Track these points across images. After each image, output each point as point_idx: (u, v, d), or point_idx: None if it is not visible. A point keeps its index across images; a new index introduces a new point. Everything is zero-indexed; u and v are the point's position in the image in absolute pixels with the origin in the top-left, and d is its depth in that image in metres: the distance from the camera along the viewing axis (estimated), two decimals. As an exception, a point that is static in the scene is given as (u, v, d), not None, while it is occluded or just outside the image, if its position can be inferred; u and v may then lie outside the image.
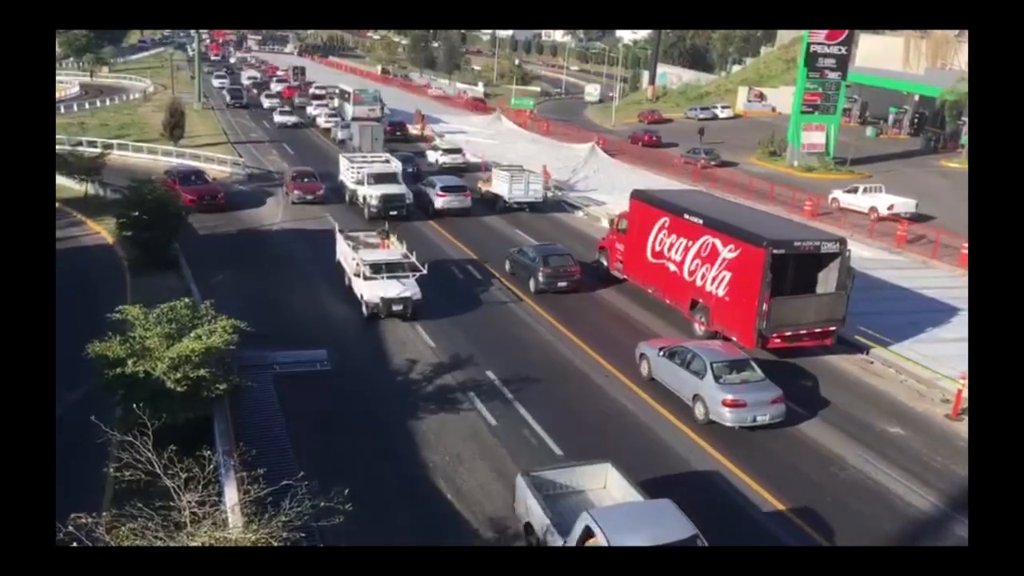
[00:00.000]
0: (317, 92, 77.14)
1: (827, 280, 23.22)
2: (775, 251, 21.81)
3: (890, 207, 41.23)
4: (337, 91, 73.28)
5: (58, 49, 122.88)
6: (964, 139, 58.03)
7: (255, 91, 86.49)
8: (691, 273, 24.78)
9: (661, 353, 20.93)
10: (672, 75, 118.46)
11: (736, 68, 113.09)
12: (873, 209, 41.54)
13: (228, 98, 79.44)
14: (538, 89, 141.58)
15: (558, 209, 42.74)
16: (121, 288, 26.22)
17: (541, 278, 28.05)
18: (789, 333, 22.48)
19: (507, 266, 30.41)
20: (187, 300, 18.01)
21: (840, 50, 53.39)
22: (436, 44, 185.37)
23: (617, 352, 22.94)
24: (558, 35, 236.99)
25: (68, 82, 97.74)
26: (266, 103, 76.93)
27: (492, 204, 41.12)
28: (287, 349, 21.86)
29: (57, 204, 37.82)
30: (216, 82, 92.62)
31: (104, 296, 23.56)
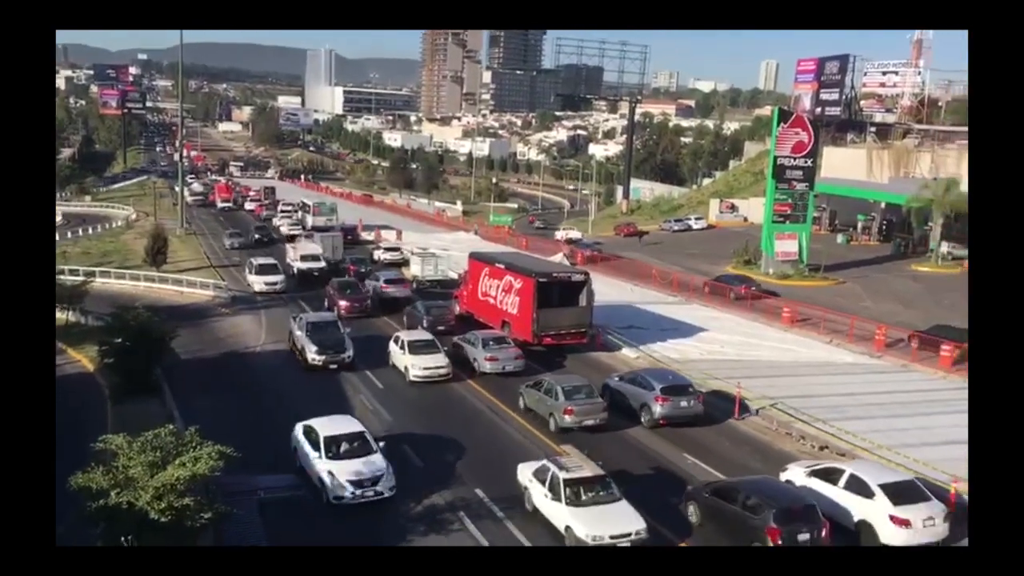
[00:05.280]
0: (284, 208, 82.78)
1: (579, 299, 33.63)
2: (540, 279, 33.18)
3: (569, 236, 78.23)
4: (299, 204, 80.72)
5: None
6: (933, 244, 59.66)
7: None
8: (500, 302, 35.52)
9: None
10: (645, 189, 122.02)
11: (707, 181, 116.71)
12: (562, 237, 76.61)
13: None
14: (515, 206, 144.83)
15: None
16: (103, 416, 25.85)
17: (426, 323, 36.48)
18: (553, 333, 33.05)
19: (404, 319, 38.25)
20: (171, 427, 17.77)
21: (806, 162, 55.25)
22: (415, 165, 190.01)
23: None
24: (533, 153, 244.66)
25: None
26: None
27: (422, 291, 45.51)
28: (272, 473, 21.47)
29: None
30: (253, 265, 49.07)
31: (85, 425, 23.18)
